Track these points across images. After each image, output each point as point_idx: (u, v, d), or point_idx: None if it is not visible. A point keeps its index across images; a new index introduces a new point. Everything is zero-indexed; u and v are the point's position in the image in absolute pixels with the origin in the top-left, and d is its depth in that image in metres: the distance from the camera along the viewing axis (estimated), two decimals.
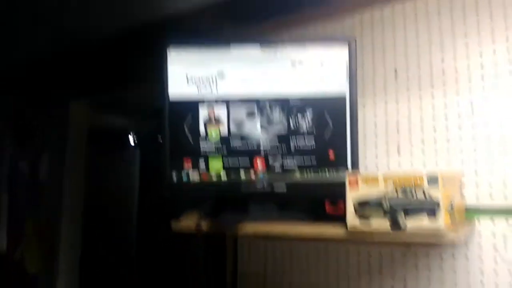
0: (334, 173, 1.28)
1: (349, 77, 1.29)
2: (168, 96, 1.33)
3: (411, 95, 1.35)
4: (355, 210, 1.05)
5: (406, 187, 1.00)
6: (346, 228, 1.06)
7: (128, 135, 3.00)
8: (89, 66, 2.05)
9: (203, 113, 1.33)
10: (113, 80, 2.06)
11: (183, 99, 1.33)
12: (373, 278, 1.36)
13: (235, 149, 1.32)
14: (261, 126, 1.32)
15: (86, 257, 2.25)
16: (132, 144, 3.01)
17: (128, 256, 2.61)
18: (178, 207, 1.41)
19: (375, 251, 1.36)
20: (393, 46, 1.40)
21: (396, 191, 1.01)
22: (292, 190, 1.30)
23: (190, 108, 1.33)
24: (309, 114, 1.30)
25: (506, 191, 1.19)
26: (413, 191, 0.99)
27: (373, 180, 1.04)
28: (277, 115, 1.31)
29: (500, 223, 1.19)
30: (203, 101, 1.33)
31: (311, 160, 1.30)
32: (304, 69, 1.31)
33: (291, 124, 1.31)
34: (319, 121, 1.30)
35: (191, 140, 1.33)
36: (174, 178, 1.33)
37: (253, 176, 1.31)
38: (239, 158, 1.32)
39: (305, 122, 1.31)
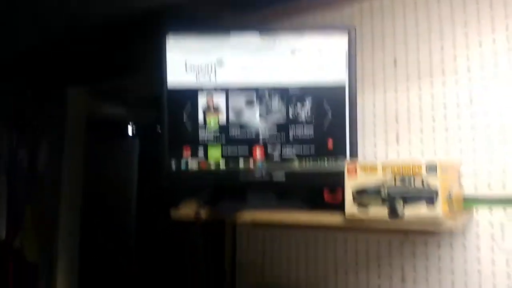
0: (333, 162, 1.29)
1: (349, 66, 1.28)
2: (166, 83, 1.32)
3: (410, 84, 1.35)
4: (353, 198, 1.05)
5: (404, 175, 1.00)
6: (344, 216, 1.06)
7: (127, 125, 2.99)
8: (87, 54, 2.04)
9: (202, 101, 1.33)
10: (111, 67, 2.05)
11: (182, 87, 1.33)
12: (371, 266, 1.37)
13: (234, 137, 1.32)
14: (260, 115, 1.32)
15: (85, 245, 2.26)
16: (131, 133, 3.00)
17: (126, 244, 2.62)
18: (177, 195, 1.41)
19: (373, 240, 1.37)
20: (393, 35, 1.40)
21: (395, 180, 1.01)
22: (291, 179, 1.30)
23: (189, 96, 1.32)
24: (308, 103, 1.30)
25: (504, 180, 1.19)
26: (412, 179, 0.99)
27: (372, 168, 1.04)
28: (276, 103, 1.31)
29: (498, 212, 1.19)
30: (202, 89, 1.32)
31: (309, 149, 1.30)
32: (304, 57, 1.30)
33: (290, 113, 1.31)
34: (318, 110, 1.30)
35: (190, 129, 1.33)
36: (173, 166, 1.33)
37: (251, 165, 1.31)
38: (238, 146, 1.32)
39: (304, 111, 1.30)
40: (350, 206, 1.05)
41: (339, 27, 1.35)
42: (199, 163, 1.33)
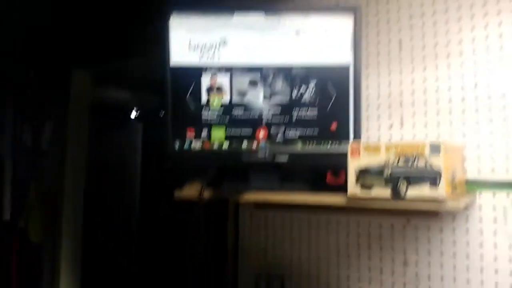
0: (336, 144, 1.28)
1: (354, 47, 1.27)
2: (170, 62, 1.32)
3: (415, 66, 1.34)
4: (356, 178, 1.05)
5: (408, 156, 1.00)
6: (347, 196, 1.06)
7: (130, 109, 3.00)
8: (91, 35, 2.03)
9: (205, 81, 1.32)
10: (115, 49, 2.04)
11: (186, 66, 1.32)
12: (373, 249, 1.37)
13: (237, 118, 1.32)
14: (264, 96, 1.31)
15: (88, 226, 2.27)
16: (135, 118, 3.01)
17: (129, 226, 2.64)
18: (180, 178, 1.41)
19: (375, 223, 1.37)
20: (398, 17, 1.38)
21: (398, 160, 1.01)
22: (294, 161, 1.30)
23: (192, 75, 1.32)
24: (312, 84, 1.29)
25: (508, 164, 1.19)
26: (415, 160, 0.98)
27: (375, 149, 1.03)
28: (280, 84, 1.30)
29: (501, 196, 1.19)
30: (205, 69, 1.32)
31: (313, 131, 1.29)
32: (308, 38, 1.29)
33: (294, 94, 1.30)
34: (322, 92, 1.29)
35: (193, 109, 1.33)
36: (176, 147, 1.33)
37: (255, 146, 1.31)
38: (241, 127, 1.31)
39: (308, 92, 1.29)
40: (352, 186, 1.05)
41: (344, 7, 1.34)
42: (202, 143, 1.33)
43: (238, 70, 1.31)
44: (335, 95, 1.28)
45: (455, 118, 1.27)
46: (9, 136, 2.31)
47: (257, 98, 1.31)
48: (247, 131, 1.31)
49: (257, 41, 1.30)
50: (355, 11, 1.28)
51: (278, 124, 1.30)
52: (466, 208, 1.21)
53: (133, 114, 2.99)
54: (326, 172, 1.30)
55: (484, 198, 1.20)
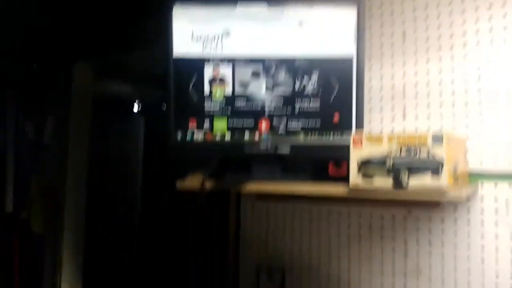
0: (338, 136, 1.28)
1: (357, 39, 1.27)
2: (173, 53, 1.32)
3: (418, 58, 1.34)
4: (358, 169, 1.05)
5: (410, 146, 1.00)
6: (349, 186, 1.06)
7: (133, 102, 2.99)
8: (93, 27, 2.03)
9: (208, 72, 1.32)
10: (117, 41, 2.04)
11: (188, 57, 1.32)
12: (374, 240, 1.38)
13: (239, 109, 1.32)
14: (266, 87, 1.31)
15: (91, 218, 2.28)
16: (137, 111, 3.00)
17: (132, 218, 2.65)
18: (182, 170, 1.42)
19: (377, 214, 1.37)
20: (402, 8, 1.38)
21: (400, 151, 1.01)
22: (296, 152, 1.30)
23: (195, 66, 1.32)
24: (315, 76, 1.29)
25: (510, 156, 1.19)
26: (417, 150, 0.98)
27: (378, 139, 1.04)
28: (282, 76, 1.30)
29: (503, 187, 1.19)
30: (208, 60, 1.32)
31: (315, 122, 1.29)
32: (312, 29, 1.29)
33: (297, 86, 1.30)
34: (324, 83, 1.29)
35: (195, 100, 1.33)
36: (179, 138, 1.33)
37: (257, 137, 1.31)
38: (244, 118, 1.32)
39: (311, 83, 1.29)
40: (354, 177, 1.05)
41: None
42: (204, 134, 1.33)
43: (241, 61, 1.31)
44: (337, 86, 1.28)
45: (458, 111, 1.27)
46: (11, 130, 2.31)
47: (260, 90, 1.31)
48: (249, 122, 1.32)
49: (260, 32, 1.30)
50: (358, 2, 1.28)
51: (280, 116, 1.31)
52: (468, 199, 1.21)
53: (136, 108, 2.99)
54: (328, 164, 1.30)
55: (486, 189, 1.21)
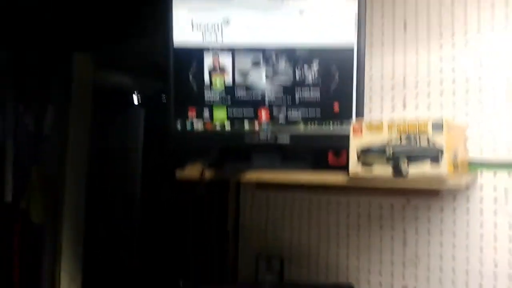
0: (338, 125, 1.28)
1: (358, 27, 1.26)
2: (173, 41, 1.31)
3: (419, 47, 1.33)
4: (358, 157, 1.05)
5: (410, 134, 1.00)
6: (348, 175, 1.06)
7: (132, 93, 2.98)
8: (92, 17, 2.02)
9: (208, 61, 1.31)
10: (117, 30, 2.03)
11: (188, 46, 1.32)
12: (373, 229, 1.38)
13: (239, 99, 1.31)
14: (266, 76, 1.30)
15: (90, 208, 2.29)
16: (137, 101, 3.00)
17: (132, 206, 2.65)
18: (182, 159, 1.42)
19: (376, 203, 1.38)
20: None
21: (400, 138, 1.01)
22: (296, 142, 1.30)
23: (195, 55, 1.31)
24: (315, 65, 1.29)
25: (510, 144, 1.19)
26: (417, 138, 0.99)
27: (378, 127, 1.04)
28: (282, 65, 1.30)
29: (502, 176, 1.19)
30: (208, 49, 1.31)
31: (315, 112, 1.29)
32: (312, 18, 1.28)
33: (297, 75, 1.29)
34: (325, 73, 1.28)
35: (195, 89, 1.32)
36: (178, 127, 1.33)
37: (257, 127, 1.31)
38: (244, 108, 1.31)
39: (311, 73, 1.29)
40: (354, 165, 1.05)
41: None
42: (204, 124, 1.33)
43: (241, 50, 1.30)
44: (338, 76, 1.28)
45: (458, 99, 1.27)
46: (11, 120, 2.31)
47: (260, 79, 1.31)
48: (249, 112, 1.31)
49: (260, 21, 1.29)
50: None
51: (280, 105, 1.30)
52: (467, 187, 1.22)
53: (136, 98, 2.98)
54: (328, 153, 1.30)
55: (485, 178, 1.21)
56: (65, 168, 2.19)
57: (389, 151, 1.01)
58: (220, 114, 1.32)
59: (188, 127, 1.33)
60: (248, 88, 1.31)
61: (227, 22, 1.30)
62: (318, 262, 1.47)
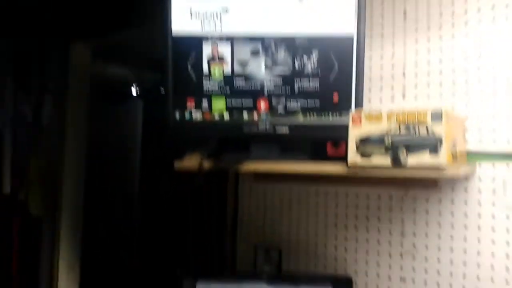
0: (338, 116, 1.27)
1: (358, 17, 1.25)
2: (171, 31, 1.30)
3: (419, 37, 1.32)
4: (357, 147, 1.05)
5: (409, 123, 0.99)
6: (347, 165, 1.06)
7: (130, 84, 2.98)
8: (90, 6, 2.01)
9: (206, 50, 1.30)
10: (115, 20, 2.02)
11: (187, 35, 1.31)
12: (371, 221, 1.38)
13: (238, 89, 1.30)
14: (266, 66, 1.30)
15: (89, 200, 2.29)
16: (135, 92, 2.99)
17: (131, 197, 2.65)
18: (180, 150, 1.41)
19: (374, 194, 1.37)
20: None
21: (399, 128, 1.00)
22: (295, 132, 1.29)
23: (193, 45, 1.30)
24: (314, 55, 1.28)
25: (509, 135, 1.19)
26: (416, 127, 0.98)
27: (377, 117, 1.03)
28: (282, 55, 1.29)
29: (501, 167, 1.19)
30: (207, 38, 1.30)
31: (314, 102, 1.28)
32: (312, 6, 1.27)
33: (296, 65, 1.29)
34: (324, 63, 1.27)
35: (194, 79, 1.32)
36: (177, 117, 1.33)
37: (255, 117, 1.31)
38: (242, 98, 1.31)
39: (310, 63, 1.28)
40: (353, 155, 1.05)
41: None
42: (203, 114, 1.32)
43: (240, 39, 1.29)
44: (337, 66, 1.27)
45: (457, 89, 1.26)
46: (9, 110, 2.30)
47: (259, 69, 1.30)
48: (248, 102, 1.31)
49: (259, 10, 1.28)
50: None
51: (279, 95, 1.29)
52: (466, 178, 1.21)
53: (134, 89, 2.98)
54: (327, 143, 1.30)
55: (484, 169, 1.21)
56: (63, 159, 2.18)
57: (388, 141, 1.01)
58: (219, 104, 1.32)
59: (187, 117, 1.33)
60: (247, 78, 1.30)
61: (226, 10, 1.29)
62: (316, 253, 1.47)
